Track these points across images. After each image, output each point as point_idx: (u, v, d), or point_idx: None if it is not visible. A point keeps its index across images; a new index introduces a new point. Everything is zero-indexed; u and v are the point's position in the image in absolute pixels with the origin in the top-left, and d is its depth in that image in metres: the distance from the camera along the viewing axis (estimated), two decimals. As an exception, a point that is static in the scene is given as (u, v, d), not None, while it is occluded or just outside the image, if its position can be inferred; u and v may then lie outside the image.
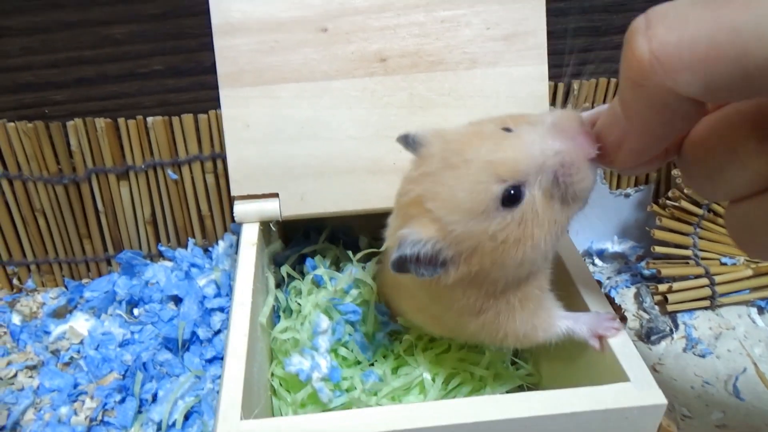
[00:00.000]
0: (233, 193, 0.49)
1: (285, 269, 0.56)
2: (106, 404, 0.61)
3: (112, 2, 0.62)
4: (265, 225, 0.51)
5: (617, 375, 0.38)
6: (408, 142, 0.41)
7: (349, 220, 0.65)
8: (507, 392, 0.48)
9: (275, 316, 0.54)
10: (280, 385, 0.49)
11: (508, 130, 0.37)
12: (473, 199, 0.35)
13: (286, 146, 0.48)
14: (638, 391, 0.36)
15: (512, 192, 0.35)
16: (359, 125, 0.49)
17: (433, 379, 0.48)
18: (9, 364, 0.67)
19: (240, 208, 0.49)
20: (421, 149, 0.40)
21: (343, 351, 0.48)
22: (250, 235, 0.48)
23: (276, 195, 0.49)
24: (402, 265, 0.37)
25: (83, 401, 0.62)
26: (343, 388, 0.47)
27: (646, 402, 0.35)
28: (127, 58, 0.65)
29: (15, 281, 0.76)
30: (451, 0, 0.48)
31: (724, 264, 0.71)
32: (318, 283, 0.54)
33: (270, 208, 0.49)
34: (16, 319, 0.73)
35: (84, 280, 0.77)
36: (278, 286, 0.60)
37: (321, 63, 0.47)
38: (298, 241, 0.67)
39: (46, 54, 0.64)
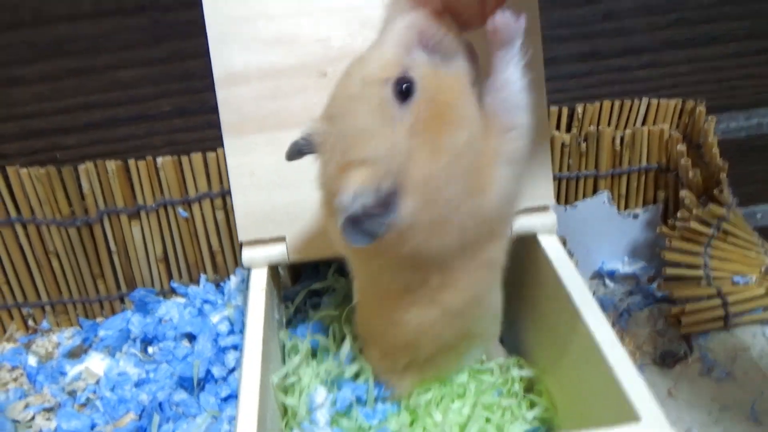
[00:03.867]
0: (240, 239, 0.50)
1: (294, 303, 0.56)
2: (124, 446, 0.61)
3: (118, 48, 0.64)
4: (273, 269, 0.51)
5: (627, 413, 0.38)
6: (301, 148, 0.40)
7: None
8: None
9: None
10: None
11: None
12: (374, 114, 0.35)
13: (290, 190, 0.49)
14: (649, 430, 0.36)
15: (402, 85, 0.35)
16: (363, 167, 0.49)
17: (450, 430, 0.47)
18: (27, 406, 0.68)
19: (248, 254, 0.50)
20: (315, 139, 0.39)
21: (345, 422, 0.48)
22: (259, 280, 0.49)
23: (283, 239, 0.50)
24: (359, 228, 0.35)
25: (100, 444, 0.63)
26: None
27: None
28: (135, 101, 0.67)
29: (30, 322, 0.77)
30: (450, 40, 0.49)
31: (736, 283, 0.71)
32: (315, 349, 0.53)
33: (277, 251, 0.50)
34: (32, 361, 0.74)
35: (98, 319, 0.78)
36: (289, 322, 0.61)
37: (322, 107, 0.48)
38: (308, 275, 0.68)
39: (56, 100, 0.65)
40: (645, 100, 0.73)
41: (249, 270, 0.50)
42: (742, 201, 0.82)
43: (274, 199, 0.49)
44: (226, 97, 0.48)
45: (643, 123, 0.74)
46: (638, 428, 0.36)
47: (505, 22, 0.37)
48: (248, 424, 0.37)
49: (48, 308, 0.76)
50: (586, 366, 0.44)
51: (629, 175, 0.76)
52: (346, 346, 0.51)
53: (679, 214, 0.71)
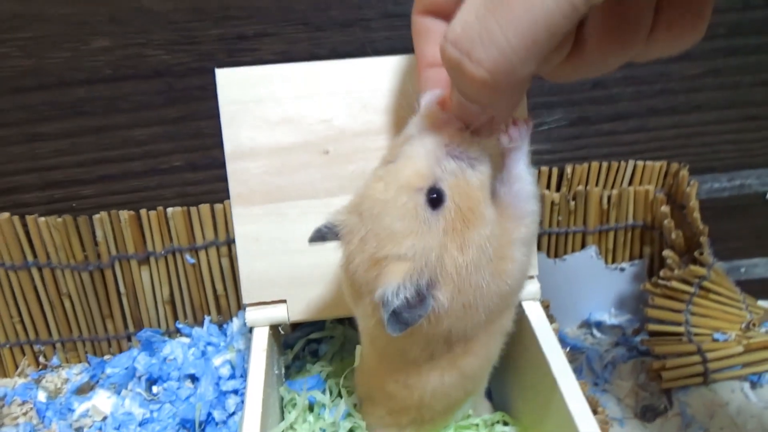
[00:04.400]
0: (244, 301, 0.53)
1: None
2: (128, 486, 0.65)
3: (134, 109, 0.68)
4: (274, 327, 0.55)
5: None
6: (324, 235, 0.44)
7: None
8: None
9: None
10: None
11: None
12: (409, 218, 0.39)
13: (292, 257, 0.53)
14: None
15: (433, 194, 0.39)
16: (360, 237, 0.53)
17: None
18: (36, 442, 0.71)
19: (251, 315, 0.53)
20: (341, 229, 0.43)
21: None
22: (261, 339, 0.52)
23: (284, 301, 0.53)
24: (399, 319, 0.39)
25: (105, 483, 0.66)
26: None
27: None
28: (149, 156, 0.71)
29: (41, 358, 0.81)
30: (442, 123, 0.53)
31: (716, 340, 0.74)
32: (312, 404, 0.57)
33: (278, 313, 0.53)
34: (41, 396, 0.77)
35: (105, 356, 0.81)
36: (288, 367, 0.64)
37: (323, 182, 0.52)
38: (307, 322, 0.71)
39: (74, 155, 0.70)
40: (631, 162, 0.77)
41: (252, 328, 0.54)
42: (727, 256, 0.86)
43: (276, 264, 0.53)
44: (235, 170, 0.52)
45: (630, 183, 0.78)
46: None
47: (517, 133, 0.43)
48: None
49: (58, 345, 0.80)
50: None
51: (616, 231, 0.80)
52: (342, 405, 0.54)
53: (661, 273, 0.74)
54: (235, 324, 0.79)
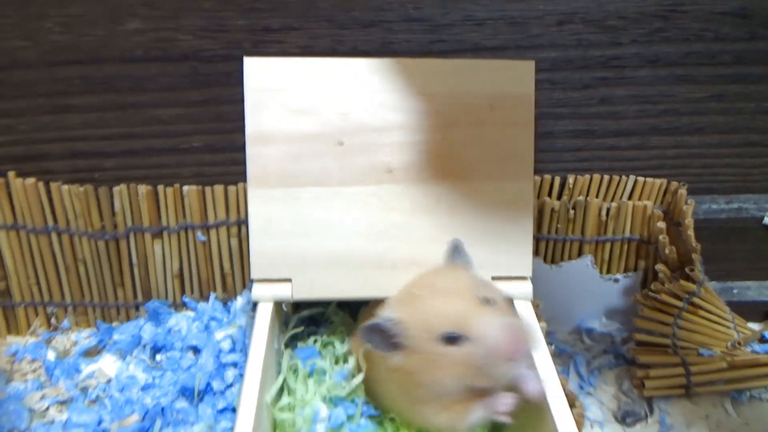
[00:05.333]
0: (253, 276, 0.57)
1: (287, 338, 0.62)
2: (126, 444, 0.68)
3: (160, 89, 0.71)
4: (278, 304, 0.58)
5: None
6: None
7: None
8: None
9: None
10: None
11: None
12: (429, 328, 0.48)
13: (301, 240, 0.56)
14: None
15: (451, 336, 0.48)
16: (365, 225, 0.56)
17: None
18: (42, 398, 0.75)
19: (257, 290, 0.57)
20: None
21: None
22: (265, 313, 0.56)
23: (289, 280, 0.57)
24: (369, 331, 0.49)
25: (107, 439, 0.69)
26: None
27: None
28: (170, 135, 0.74)
29: (53, 320, 0.84)
30: (452, 124, 0.56)
31: (701, 355, 0.77)
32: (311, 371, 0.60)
33: (283, 291, 0.57)
34: (51, 356, 0.81)
35: (114, 323, 0.85)
36: (286, 346, 0.68)
37: (336, 171, 0.55)
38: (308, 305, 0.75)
39: (100, 128, 0.73)
40: (632, 178, 0.79)
41: (257, 303, 0.57)
42: (720, 277, 0.88)
43: (285, 245, 0.56)
44: (254, 154, 0.55)
45: (629, 198, 0.81)
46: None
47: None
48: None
49: (70, 309, 0.84)
50: (540, 426, 0.50)
51: (612, 243, 0.82)
52: (346, 367, 0.58)
53: (652, 286, 0.77)
54: (239, 302, 0.83)
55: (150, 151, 0.75)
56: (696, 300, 0.77)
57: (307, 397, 0.56)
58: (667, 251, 0.76)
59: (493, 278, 0.58)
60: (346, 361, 0.61)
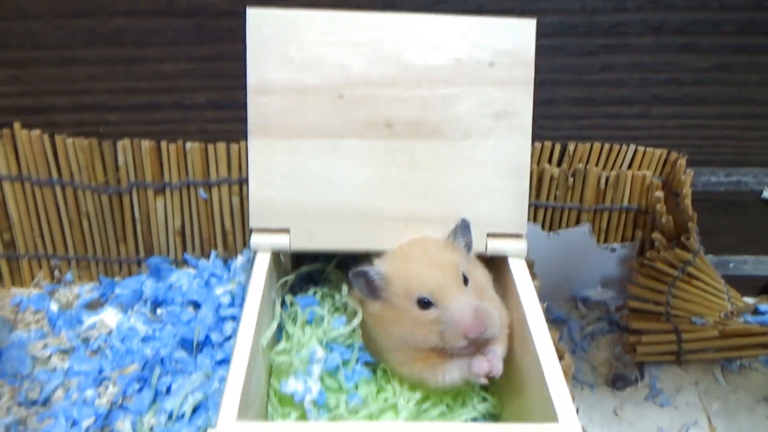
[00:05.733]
0: (251, 225, 0.58)
1: (285, 297, 0.63)
2: (126, 391, 0.69)
3: (166, 44, 0.72)
4: (276, 255, 0.59)
5: (551, 416, 0.45)
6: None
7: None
8: (470, 420, 0.56)
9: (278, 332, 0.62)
10: (275, 397, 0.57)
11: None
12: (408, 288, 0.53)
13: (300, 191, 0.57)
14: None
15: (425, 300, 0.52)
16: (363, 179, 0.57)
17: (407, 401, 0.56)
18: (45, 346, 0.77)
19: (256, 239, 0.58)
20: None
21: (329, 381, 0.56)
22: (262, 262, 0.57)
23: (287, 230, 0.58)
24: (357, 275, 0.54)
25: (107, 386, 0.71)
26: (330, 408, 0.55)
27: (568, 442, 0.43)
28: (175, 91, 0.75)
29: (56, 273, 0.86)
30: (451, 80, 0.56)
31: (694, 323, 0.78)
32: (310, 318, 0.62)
33: (282, 240, 0.58)
34: (54, 307, 0.82)
35: (116, 278, 0.86)
36: (283, 303, 0.69)
37: (336, 124, 0.56)
38: (308, 263, 0.76)
39: (106, 82, 0.74)
40: (632, 147, 0.80)
41: (255, 252, 0.58)
42: (717, 250, 0.89)
43: (284, 195, 0.57)
44: (255, 103, 0.56)
45: (629, 167, 0.81)
46: (555, 428, 0.44)
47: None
48: (237, 377, 0.45)
49: (73, 262, 0.85)
50: (530, 376, 0.51)
51: (611, 212, 0.83)
52: (343, 314, 0.60)
53: (648, 254, 0.78)
54: (239, 260, 0.84)
55: (154, 107, 0.76)
56: (691, 269, 0.77)
57: (304, 340, 0.57)
58: (663, 220, 0.77)
59: (488, 235, 0.59)
60: (345, 310, 0.62)
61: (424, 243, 0.56)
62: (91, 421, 0.67)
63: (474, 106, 0.57)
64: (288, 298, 0.63)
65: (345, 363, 0.58)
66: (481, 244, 0.58)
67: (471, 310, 0.51)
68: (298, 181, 0.57)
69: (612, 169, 0.81)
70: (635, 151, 0.80)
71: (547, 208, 0.82)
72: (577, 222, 0.84)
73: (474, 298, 0.52)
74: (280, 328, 0.62)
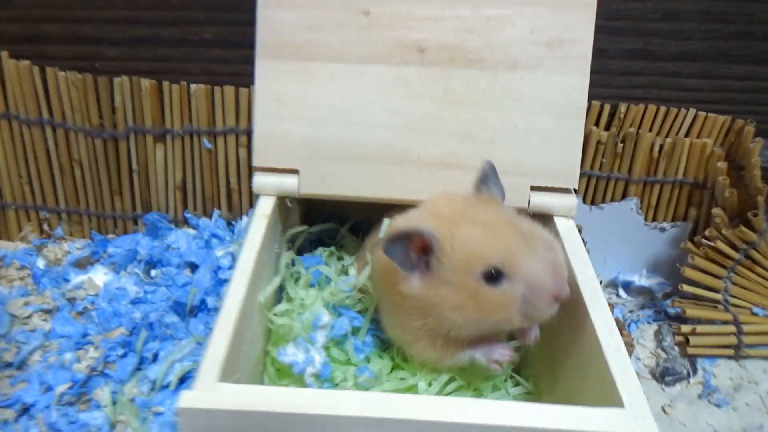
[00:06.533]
0: (254, 163, 0.49)
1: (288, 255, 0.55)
2: (108, 356, 0.62)
3: (173, -33, 0.64)
4: (281, 200, 0.51)
5: (613, 400, 0.36)
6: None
7: (373, 213, 0.65)
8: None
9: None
10: (272, 366, 0.49)
11: None
12: (469, 259, 0.42)
13: (313, 125, 0.48)
14: (631, 419, 0.34)
15: (494, 273, 0.42)
16: (389, 113, 0.48)
17: (429, 384, 0.47)
18: (26, 304, 0.69)
19: (259, 180, 0.49)
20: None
21: (335, 351, 0.48)
22: (265, 207, 0.48)
23: (296, 171, 0.49)
24: (397, 239, 0.42)
25: (87, 350, 0.63)
26: (335, 382, 0.47)
27: (637, 430, 0.33)
28: (180, 23, 0.67)
29: (45, 227, 0.78)
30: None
31: (756, 314, 0.68)
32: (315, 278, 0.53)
33: (289, 183, 0.49)
34: (40, 263, 0.75)
35: (110, 236, 0.79)
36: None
37: (359, 46, 0.47)
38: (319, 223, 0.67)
39: (104, 10, 0.66)
40: (692, 111, 0.70)
41: (258, 196, 0.50)
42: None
43: (294, 129, 0.49)
44: (266, 18, 0.48)
45: (687, 134, 0.71)
46: (620, 413, 0.35)
47: None
48: (224, 332, 0.37)
49: (64, 216, 0.77)
50: (584, 354, 0.42)
51: (662, 185, 0.73)
52: (352, 274, 0.50)
53: (706, 232, 0.68)
54: (244, 222, 0.76)
55: (157, 41, 0.68)
56: (754, 253, 0.68)
57: (308, 302, 0.49)
58: (726, 194, 0.67)
59: (533, 188, 0.50)
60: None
61: (460, 203, 0.46)
62: (66, 387, 0.59)
63: (523, 32, 0.48)
64: (288, 256, 0.54)
65: (355, 331, 0.49)
66: (523, 198, 0.50)
67: (552, 268, 0.42)
68: (311, 113, 0.48)
69: (667, 135, 0.71)
70: (695, 116, 0.71)
71: (590, 178, 0.73)
72: (624, 195, 0.74)
73: (543, 252, 0.43)
74: (282, 290, 0.53)
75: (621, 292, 0.78)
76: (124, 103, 0.69)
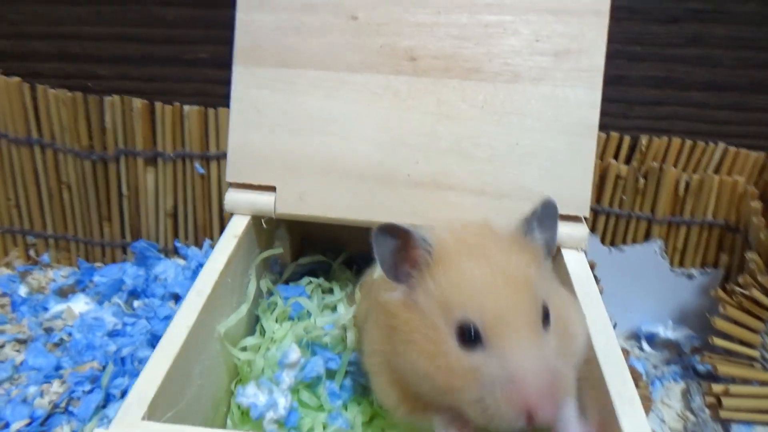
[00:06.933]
0: (228, 178, 0.45)
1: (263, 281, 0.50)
2: (74, 392, 0.57)
3: (168, -17, 0.62)
4: (257, 220, 0.46)
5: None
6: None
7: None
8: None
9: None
10: (239, 410, 0.43)
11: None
12: (449, 301, 0.33)
13: (293, 138, 0.44)
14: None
15: (472, 333, 0.32)
16: (376, 127, 0.44)
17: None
18: (0, 333, 0.65)
19: (232, 197, 0.45)
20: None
21: (305, 395, 0.42)
22: (237, 227, 0.44)
23: (273, 188, 0.45)
24: (386, 231, 0.34)
25: (51, 384, 0.58)
26: (303, 430, 0.40)
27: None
28: (173, 41, 0.65)
29: (32, 252, 0.75)
30: (499, 3, 0.43)
31: (799, 374, 0.60)
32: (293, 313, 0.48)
33: (264, 201, 0.45)
34: (22, 291, 0.72)
35: (97, 264, 0.75)
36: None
37: (345, 52, 0.43)
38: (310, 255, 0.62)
39: (96, 26, 0.64)
40: (721, 146, 0.64)
41: (231, 215, 0.45)
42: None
43: (272, 142, 0.44)
44: (246, 21, 0.44)
45: (716, 171, 0.65)
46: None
47: None
48: (158, 364, 0.31)
49: (51, 242, 0.74)
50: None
51: (690, 227, 0.67)
52: (340, 311, 0.45)
53: (740, 279, 0.61)
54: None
55: (150, 59, 0.66)
56: (796, 304, 0.60)
57: (277, 336, 0.43)
58: (762, 236, 0.60)
59: (537, 215, 0.44)
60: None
61: (483, 233, 0.37)
62: (23, 424, 0.54)
63: (527, 40, 0.43)
64: (264, 284, 0.49)
65: (331, 374, 0.43)
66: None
67: (546, 373, 0.31)
68: (291, 124, 0.44)
69: (695, 171, 0.65)
70: (725, 151, 0.65)
71: (609, 215, 0.67)
72: (647, 237, 0.68)
73: (553, 348, 0.33)
74: (257, 322, 0.48)
75: (644, 344, 0.70)
76: (114, 124, 0.66)
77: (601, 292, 0.44)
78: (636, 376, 0.37)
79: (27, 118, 0.67)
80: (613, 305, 0.69)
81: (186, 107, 0.66)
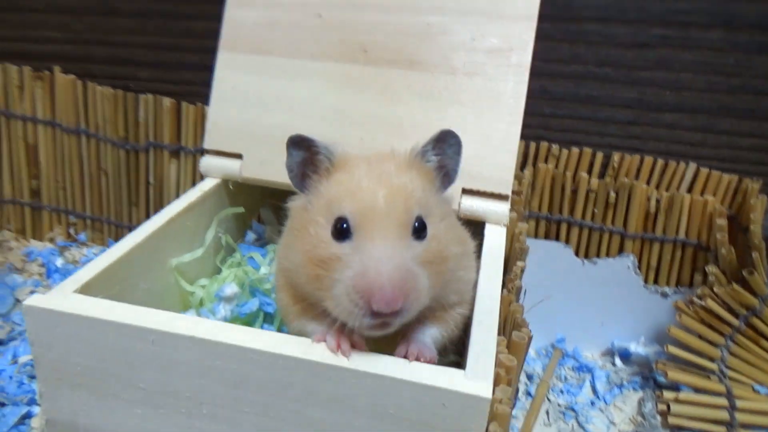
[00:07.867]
0: (205, 146, 0.53)
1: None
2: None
3: (200, 1, 0.73)
4: (226, 183, 0.53)
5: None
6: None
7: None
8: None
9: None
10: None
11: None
12: (331, 202, 0.37)
13: (259, 112, 0.52)
14: (466, 379, 0.32)
15: (344, 225, 0.36)
16: (331, 107, 0.51)
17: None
18: (32, 293, 0.75)
19: (206, 161, 0.53)
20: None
21: None
22: (205, 185, 0.51)
23: (240, 156, 0.52)
24: (297, 143, 0.38)
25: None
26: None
27: (462, 389, 0.31)
28: (202, 51, 0.74)
29: (72, 231, 0.86)
30: (441, 6, 0.50)
31: (757, 392, 0.60)
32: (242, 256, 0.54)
33: (232, 166, 0.52)
34: (58, 262, 0.82)
35: (124, 245, 0.84)
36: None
37: (309, 44, 0.51)
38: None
39: (139, 35, 0.76)
40: (693, 166, 0.67)
41: (203, 177, 0.53)
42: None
43: (243, 116, 0.52)
44: (232, 16, 0.53)
45: (689, 191, 0.68)
46: (458, 373, 0.32)
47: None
48: (101, 261, 0.39)
49: (89, 222, 0.85)
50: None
51: (663, 244, 0.69)
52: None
53: (699, 290, 0.62)
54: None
55: (181, 65, 0.76)
56: (756, 322, 0.60)
57: (222, 276, 0.50)
58: (723, 251, 0.62)
59: (464, 191, 0.49)
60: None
61: (384, 154, 0.40)
62: (28, 358, 0.63)
63: (463, 39, 0.50)
64: (225, 238, 0.56)
65: (269, 318, 0.49)
66: (453, 200, 0.49)
67: (396, 269, 0.33)
68: (260, 102, 0.52)
69: (667, 190, 0.68)
70: (697, 172, 0.67)
71: (582, 228, 0.70)
72: (620, 251, 0.70)
73: (416, 256, 0.35)
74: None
75: (617, 360, 0.71)
76: (147, 119, 0.77)
77: (521, 271, 0.47)
78: (523, 324, 0.40)
79: (78, 110, 0.79)
80: (588, 319, 0.71)
81: (207, 107, 0.75)
